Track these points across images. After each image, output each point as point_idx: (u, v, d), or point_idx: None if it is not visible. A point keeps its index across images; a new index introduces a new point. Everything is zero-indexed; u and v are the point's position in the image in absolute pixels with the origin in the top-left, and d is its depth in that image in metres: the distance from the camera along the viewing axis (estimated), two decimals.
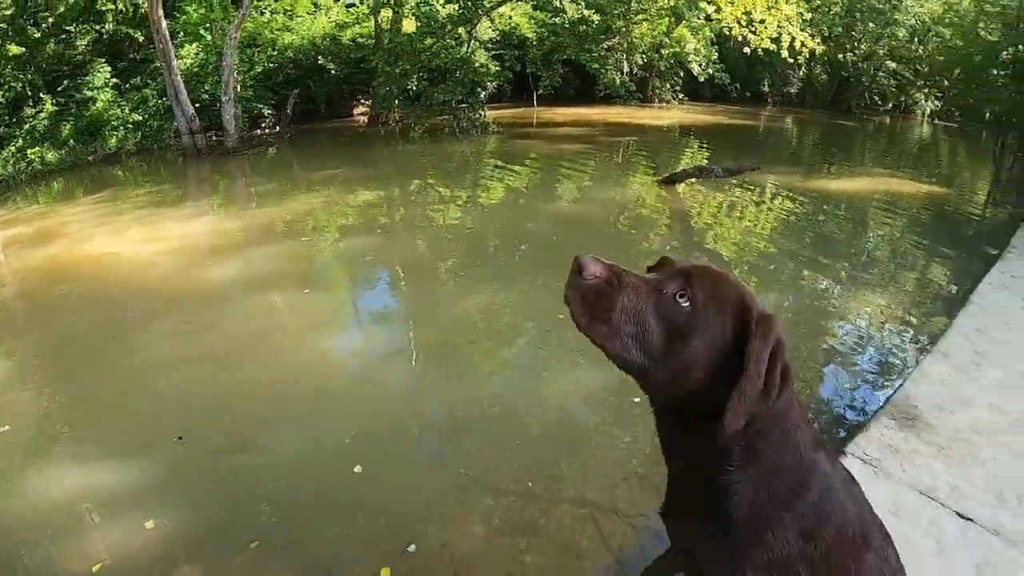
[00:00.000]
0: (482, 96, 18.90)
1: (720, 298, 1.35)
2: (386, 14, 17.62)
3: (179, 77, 14.10)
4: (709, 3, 17.09)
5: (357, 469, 3.74)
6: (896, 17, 25.48)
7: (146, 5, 13.72)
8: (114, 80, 15.97)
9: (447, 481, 3.69)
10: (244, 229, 8.23)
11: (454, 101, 16.81)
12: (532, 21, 20.30)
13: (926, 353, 5.03)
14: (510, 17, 20.16)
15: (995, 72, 20.66)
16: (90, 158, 14.45)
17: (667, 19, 20.53)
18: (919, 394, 4.29)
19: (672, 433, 1.52)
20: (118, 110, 15.35)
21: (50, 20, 15.78)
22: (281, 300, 6.21)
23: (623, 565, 3.09)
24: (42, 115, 14.96)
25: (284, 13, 18.18)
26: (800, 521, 1.41)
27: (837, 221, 10.20)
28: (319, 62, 17.71)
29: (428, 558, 3.13)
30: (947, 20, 24.51)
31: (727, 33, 17.80)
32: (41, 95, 15.38)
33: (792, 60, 19.33)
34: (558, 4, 19.22)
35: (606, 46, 19.39)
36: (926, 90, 27.60)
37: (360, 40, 18.83)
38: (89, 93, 15.45)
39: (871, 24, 25.84)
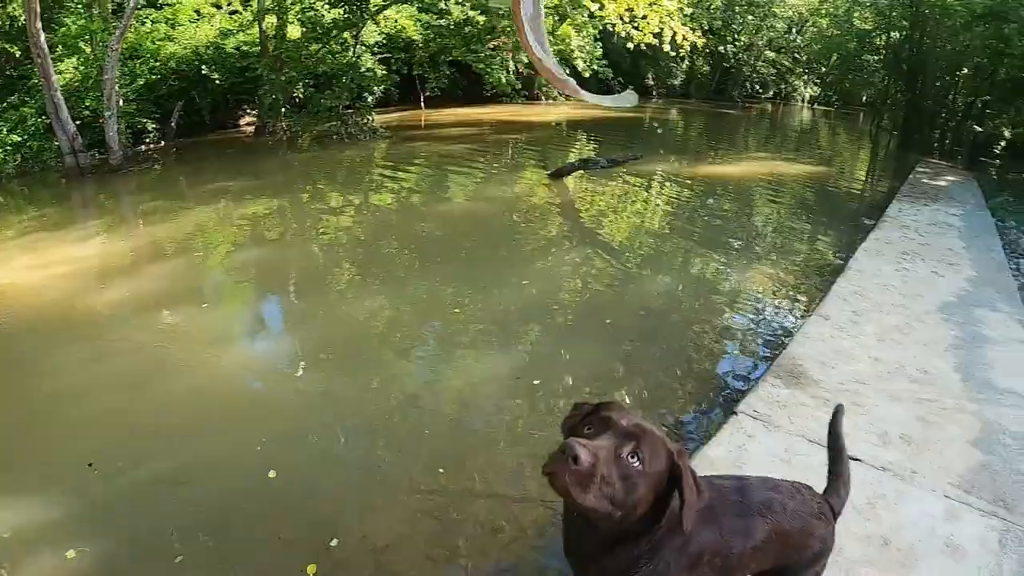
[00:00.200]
0: (369, 101, 18.68)
1: (657, 453, 1.73)
2: (270, 20, 17.22)
3: (59, 93, 13.31)
4: (593, 0, 17.50)
5: (272, 474, 3.73)
6: (774, 10, 26.79)
7: (24, 17, 12.96)
8: None
9: (362, 477, 3.75)
10: (135, 249, 7.92)
11: (341, 107, 16.60)
12: (418, 23, 20.26)
13: (809, 317, 5.36)
14: (396, 20, 20.04)
15: (869, 58, 22.08)
16: None
17: (551, 18, 20.90)
18: (803, 353, 4.58)
19: (592, 541, 1.87)
20: None
21: None
22: (179, 317, 6.03)
23: (541, 537, 3.24)
24: None
25: (166, 22, 17.53)
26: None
27: (725, 204, 10.59)
28: (203, 72, 17.11)
29: (351, 550, 3.21)
30: (823, 11, 25.94)
31: (611, 29, 18.25)
32: None
33: (674, 53, 20.00)
34: (443, 6, 19.30)
35: (492, 46, 19.58)
36: (805, 77, 29.15)
37: (244, 48, 18.31)
38: None
39: (750, 17, 27.08)
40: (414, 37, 19.68)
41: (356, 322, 5.86)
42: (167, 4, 17.53)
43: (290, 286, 6.87)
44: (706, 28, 24.52)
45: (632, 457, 1.69)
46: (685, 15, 19.32)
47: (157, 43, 16.78)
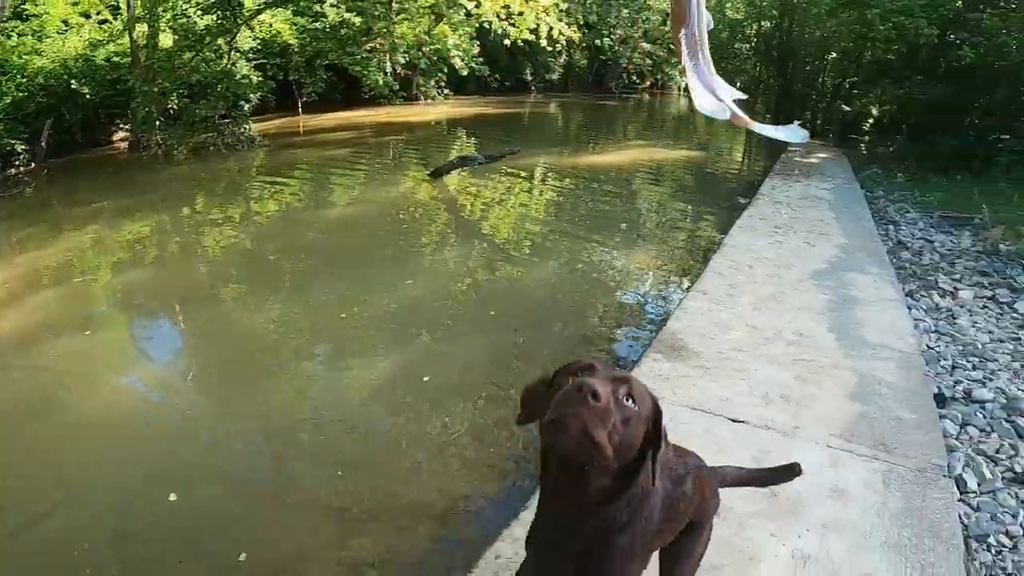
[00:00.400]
0: (246, 109, 18.07)
1: (644, 398, 1.69)
2: (141, 29, 16.40)
3: None
4: None
5: (172, 497, 3.62)
6: (649, 3, 27.57)
7: None
8: None
9: (265, 490, 3.74)
10: (7, 280, 7.43)
11: (217, 117, 16.04)
12: (294, 27, 19.79)
13: (688, 293, 5.57)
14: (270, 25, 19.51)
15: (741, 46, 23.08)
16: None
17: (428, 17, 20.87)
18: (682, 327, 4.74)
19: (579, 507, 1.77)
20: None
21: None
22: (63, 347, 5.68)
23: (445, 528, 3.33)
24: None
25: (33, 35, 16.45)
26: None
27: (607, 192, 10.84)
28: (72, 87, 16.15)
29: (260, 563, 3.21)
30: None
31: (488, 27, 18.35)
32: None
33: (551, 48, 20.29)
34: (319, 9, 18.94)
35: (368, 48, 19.37)
36: (680, 66, 30.06)
37: (116, 59, 17.37)
38: None
39: (625, 11, 27.78)
40: (290, 41, 19.24)
41: (246, 337, 5.75)
42: (34, 16, 16.54)
43: (176, 306, 6.65)
44: (582, 23, 25.00)
45: (628, 399, 1.64)
46: (561, 10, 19.68)
47: (24, 57, 15.79)
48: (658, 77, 30.75)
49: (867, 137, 16.82)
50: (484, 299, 6.39)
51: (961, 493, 3.23)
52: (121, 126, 17.79)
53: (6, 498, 3.77)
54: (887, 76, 14.79)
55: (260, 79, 18.10)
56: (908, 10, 12.00)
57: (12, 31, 16.03)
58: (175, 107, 16.53)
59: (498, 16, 17.74)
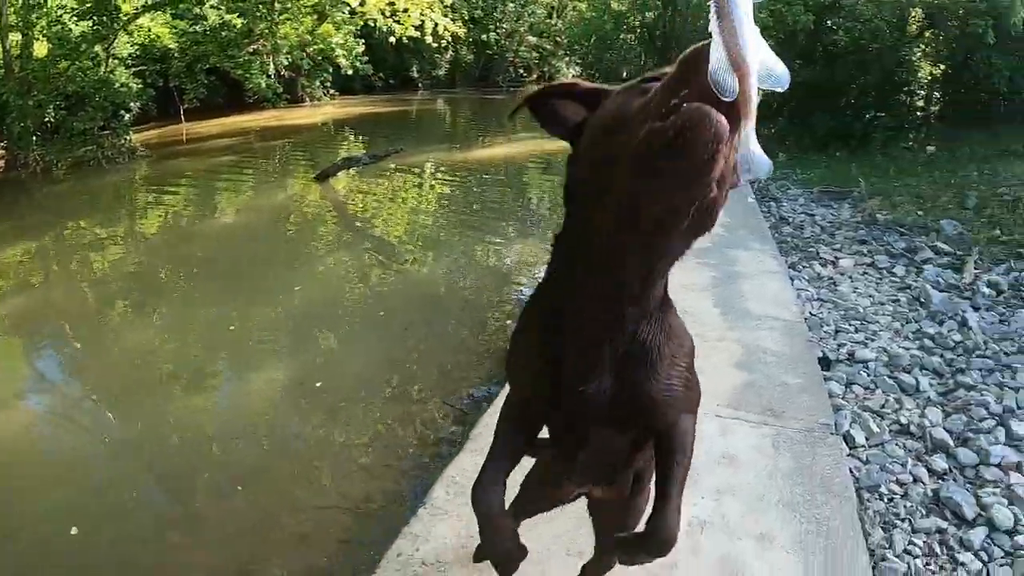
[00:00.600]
0: (127, 119, 17.23)
1: None
2: (15, 38, 15.36)
3: None
4: None
5: (73, 531, 3.44)
6: None
7: None
8: None
9: (165, 513, 3.66)
10: None
11: (97, 129, 15.22)
12: (174, 31, 18.97)
13: None
14: (149, 29, 18.65)
15: (625, 37, 23.52)
16: None
17: (311, 17, 20.46)
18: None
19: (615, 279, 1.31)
20: None
21: None
22: None
23: (347, 533, 3.31)
24: None
25: None
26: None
27: (498, 185, 10.88)
28: None
29: None
30: None
31: (373, 25, 18.15)
32: None
33: (437, 45, 20.25)
34: (198, 11, 18.24)
35: (251, 50, 18.84)
36: (567, 59, 30.45)
37: None
38: None
39: (510, 5, 27.99)
40: (170, 46, 18.47)
41: (136, 357, 5.51)
42: None
43: (63, 330, 6.33)
44: (467, 18, 25.04)
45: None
46: (446, 6, 19.64)
47: None
48: (545, 70, 31.08)
49: None
50: (373, 300, 6.38)
51: (850, 448, 3.32)
52: None
53: None
54: None
55: (140, 86, 17.30)
56: None
57: None
58: (52, 120, 15.63)
59: (383, 13, 17.56)
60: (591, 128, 1.30)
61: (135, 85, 17.14)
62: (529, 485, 1.99)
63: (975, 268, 5.62)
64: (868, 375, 4.00)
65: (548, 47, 29.96)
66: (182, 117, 20.30)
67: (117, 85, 16.21)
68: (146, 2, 16.17)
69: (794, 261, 6.10)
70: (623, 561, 1.65)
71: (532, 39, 29.70)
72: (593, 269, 1.31)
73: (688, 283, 5.25)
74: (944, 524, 2.86)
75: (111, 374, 5.36)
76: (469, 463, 2.98)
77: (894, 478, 3.12)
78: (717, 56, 0.98)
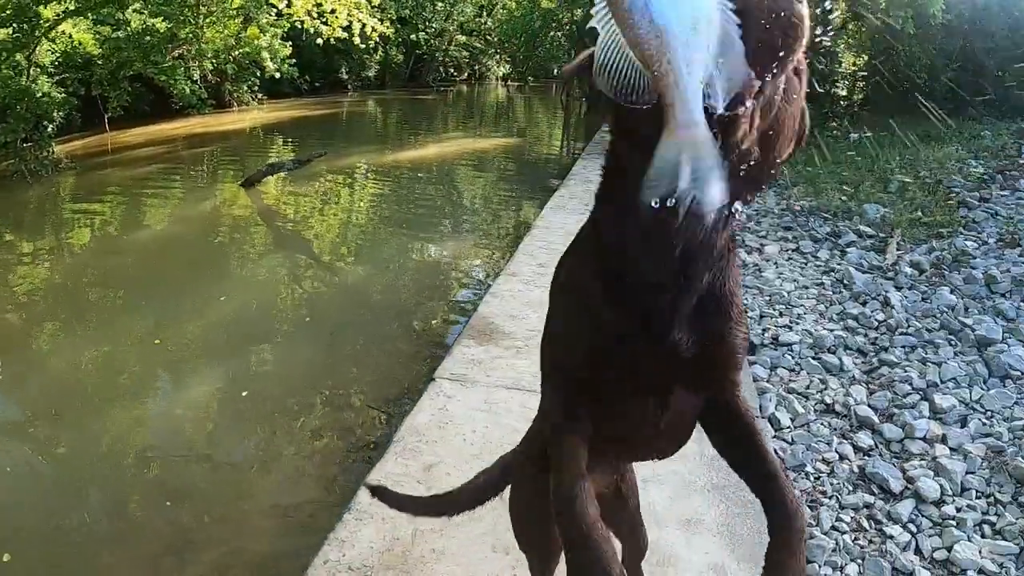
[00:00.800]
0: (50, 130, 16.62)
1: None
2: None
3: None
4: None
5: (6, 557, 3.36)
6: None
7: None
8: None
9: (99, 533, 3.56)
10: None
11: (18, 141, 14.65)
12: (97, 36, 18.37)
13: (498, 276, 5.63)
14: (70, 36, 18.03)
15: (555, 34, 23.68)
16: None
17: (236, 20, 20.09)
18: (492, 311, 4.74)
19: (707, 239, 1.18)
20: None
21: None
22: None
23: (280, 540, 3.31)
24: None
25: None
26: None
27: (430, 185, 10.84)
28: None
29: None
30: None
31: (300, 27, 17.96)
32: None
33: (365, 46, 20.15)
34: (121, 16, 17.72)
35: (175, 55, 18.40)
36: (497, 57, 30.55)
37: None
38: None
39: (440, 4, 27.93)
40: (93, 52, 17.93)
41: (62, 378, 5.35)
42: None
43: None
44: (395, 18, 24.92)
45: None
46: (373, 6, 19.49)
47: None
48: (475, 68, 31.14)
49: None
50: (300, 305, 6.33)
51: (776, 430, 3.35)
52: None
53: None
54: None
55: (63, 96, 16.75)
56: None
57: None
58: None
59: (310, 15, 17.37)
60: None
61: (58, 95, 16.58)
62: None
63: (898, 249, 5.76)
64: (793, 358, 4.05)
65: (478, 45, 30.02)
66: (107, 126, 19.78)
67: (39, 95, 15.65)
68: (67, 7, 15.67)
69: None
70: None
71: (462, 38, 29.71)
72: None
73: None
74: (871, 499, 2.90)
75: (36, 395, 5.23)
76: (394, 466, 2.96)
77: (820, 457, 3.15)
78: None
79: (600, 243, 1.33)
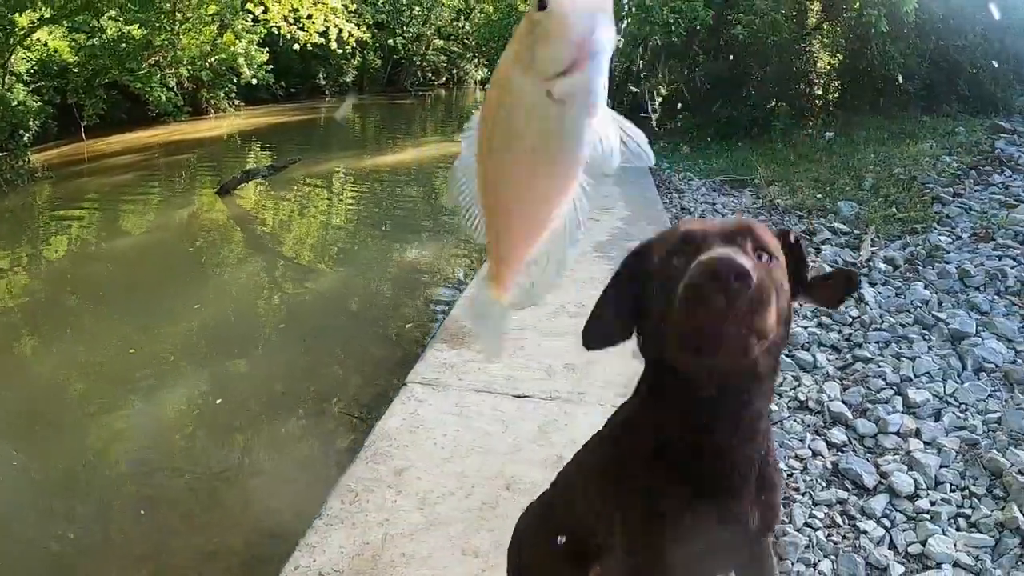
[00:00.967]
0: (25, 139, 16.43)
1: (772, 241, 1.21)
2: None
3: None
4: (256, 4, 17.04)
5: None
6: (442, 0, 27.87)
7: None
8: None
9: (75, 552, 3.52)
10: None
11: None
12: (73, 44, 18.20)
13: (471, 280, 5.71)
14: (46, 43, 17.86)
15: None
16: None
17: (212, 27, 20.01)
18: (465, 314, 4.72)
19: (742, 408, 1.23)
20: None
21: None
22: None
23: (257, 547, 3.29)
24: None
25: None
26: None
27: (410, 189, 10.83)
28: None
29: None
30: None
31: (276, 33, 17.93)
32: None
33: (342, 51, 20.13)
34: (96, 23, 17.58)
35: (152, 62, 18.29)
36: (475, 60, 30.60)
37: None
38: None
39: (417, 8, 27.95)
40: (68, 60, 17.75)
41: (35, 389, 5.35)
42: None
43: None
44: (372, 23, 24.93)
45: (762, 256, 1.16)
46: (350, 11, 19.49)
47: None
48: (453, 72, 31.20)
49: (656, 115, 17.74)
50: (275, 312, 6.36)
51: None
52: None
53: None
54: (672, 57, 15.64)
55: (39, 104, 16.57)
56: None
57: None
58: None
59: (287, 20, 17.34)
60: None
61: (34, 103, 16.40)
62: None
63: (872, 245, 5.77)
64: None
65: (456, 49, 30.07)
66: (83, 135, 19.58)
67: (15, 103, 15.50)
68: (42, 15, 15.54)
69: None
70: None
71: (440, 42, 29.75)
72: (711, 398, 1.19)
73: (587, 277, 5.25)
74: (844, 495, 2.88)
75: (10, 404, 5.19)
76: (364, 471, 2.94)
77: (793, 453, 3.13)
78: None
79: (657, 421, 1.34)
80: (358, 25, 19.44)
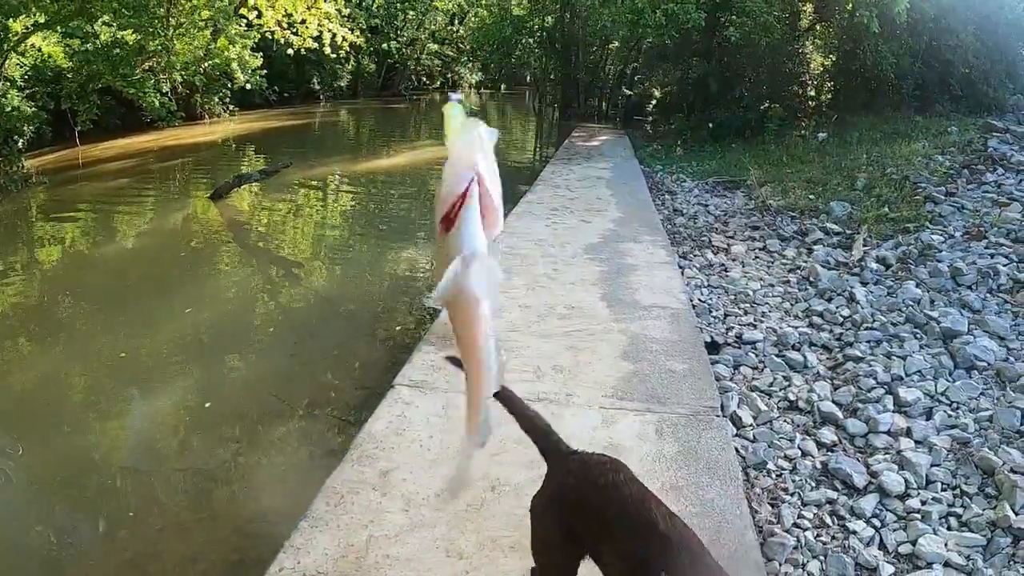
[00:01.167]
0: (20, 144, 16.36)
1: None
2: None
3: None
4: (250, 9, 17.02)
5: None
6: (435, 4, 27.84)
7: None
8: None
9: (63, 556, 3.51)
10: None
11: None
12: (67, 49, 18.15)
13: None
14: (39, 49, 17.80)
15: (527, 41, 23.79)
16: None
17: (205, 32, 19.98)
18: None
19: None
20: None
21: None
22: None
23: (238, 554, 3.28)
24: None
25: None
26: None
27: (404, 193, 10.82)
28: None
29: None
30: (482, 2, 27.44)
31: (270, 38, 17.91)
32: None
33: (336, 56, 20.14)
34: (89, 28, 17.53)
35: (145, 67, 18.24)
36: (469, 65, 30.61)
37: None
38: None
39: (411, 13, 27.94)
40: (63, 66, 17.72)
41: (25, 395, 5.30)
42: None
43: None
44: (366, 27, 24.92)
45: None
46: (344, 16, 19.46)
47: None
48: (447, 76, 31.22)
49: (651, 117, 17.77)
50: (265, 316, 6.31)
51: (738, 429, 3.32)
52: None
53: None
54: (666, 60, 15.66)
55: (33, 110, 16.52)
56: None
57: None
58: None
59: (280, 25, 17.31)
60: None
61: (28, 109, 16.35)
62: None
63: (864, 245, 5.76)
64: (756, 356, 4.03)
65: (450, 53, 30.06)
66: (77, 140, 19.53)
67: (9, 109, 15.45)
68: (36, 20, 15.50)
69: (686, 251, 6.17)
70: None
71: (434, 46, 29.74)
72: None
73: (577, 279, 5.25)
74: (834, 495, 2.86)
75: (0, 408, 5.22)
76: (350, 473, 2.92)
77: (782, 454, 3.12)
78: None
79: None
80: (352, 30, 19.39)
